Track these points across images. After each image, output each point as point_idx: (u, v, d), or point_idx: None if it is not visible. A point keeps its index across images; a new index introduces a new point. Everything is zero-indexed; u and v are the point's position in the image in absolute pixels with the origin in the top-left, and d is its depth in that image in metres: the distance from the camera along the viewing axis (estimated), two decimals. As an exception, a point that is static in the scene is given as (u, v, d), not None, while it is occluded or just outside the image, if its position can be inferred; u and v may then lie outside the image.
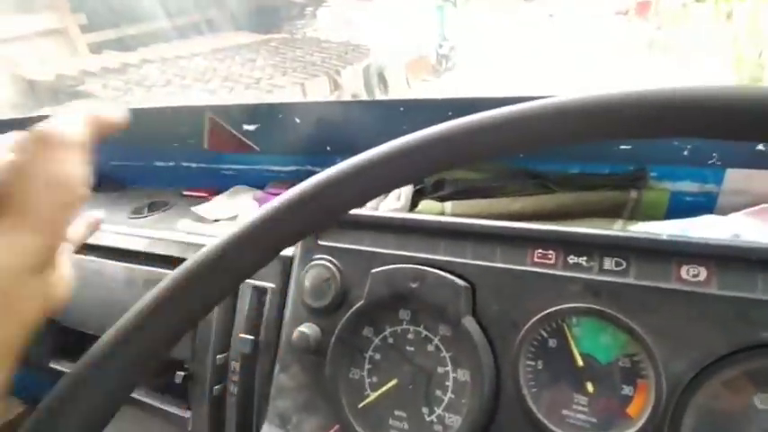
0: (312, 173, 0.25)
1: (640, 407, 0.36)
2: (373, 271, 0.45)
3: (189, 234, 0.66)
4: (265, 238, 0.25)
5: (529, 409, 0.39)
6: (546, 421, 0.38)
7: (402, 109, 0.59)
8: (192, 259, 0.25)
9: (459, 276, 0.43)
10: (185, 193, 0.89)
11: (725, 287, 0.35)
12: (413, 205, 0.61)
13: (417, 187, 0.63)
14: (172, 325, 0.24)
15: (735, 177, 0.51)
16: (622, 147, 0.53)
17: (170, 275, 0.25)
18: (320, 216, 0.26)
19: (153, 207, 0.85)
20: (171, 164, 0.90)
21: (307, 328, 0.47)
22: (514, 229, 0.43)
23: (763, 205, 0.47)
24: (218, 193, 0.84)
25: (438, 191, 0.61)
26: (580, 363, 0.39)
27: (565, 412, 0.39)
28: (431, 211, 0.59)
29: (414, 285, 0.43)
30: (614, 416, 0.37)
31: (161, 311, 0.24)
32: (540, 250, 0.42)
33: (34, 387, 0.62)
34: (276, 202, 0.25)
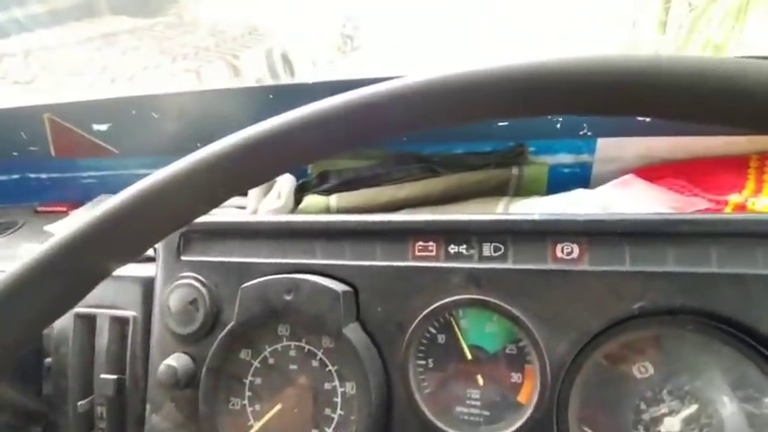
0: None
1: (529, 392, 0.36)
2: (243, 286, 0.40)
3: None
4: (78, 261, 0.20)
5: (422, 414, 0.36)
6: (439, 423, 0.36)
7: (272, 96, 0.53)
8: None
9: (340, 280, 0.39)
10: (39, 209, 0.76)
11: (596, 262, 0.35)
12: (296, 202, 0.56)
13: (300, 182, 0.58)
14: None
15: (606, 146, 0.53)
16: (501, 123, 0.52)
17: None
18: (153, 227, 0.21)
19: (-3, 229, 0.71)
20: (15, 176, 0.76)
21: (174, 360, 0.40)
22: (392, 222, 0.40)
23: (626, 176, 0.48)
24: (79, 206, 0.72)
25: (323, 183, 0.57)
26: (469, 356, 0.37)
27: (459, 409, 0.37)
28: (315, 206, 0.55)
29: (288, 297, 0.39)
30: (506, 405, 0.36)
31: None
32: (420, 242, 0.39)
33: None
34: (96, 213, 0.20)
